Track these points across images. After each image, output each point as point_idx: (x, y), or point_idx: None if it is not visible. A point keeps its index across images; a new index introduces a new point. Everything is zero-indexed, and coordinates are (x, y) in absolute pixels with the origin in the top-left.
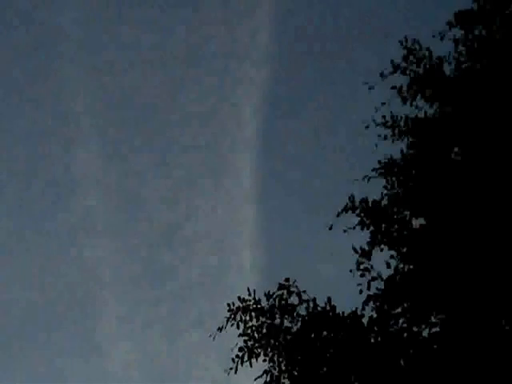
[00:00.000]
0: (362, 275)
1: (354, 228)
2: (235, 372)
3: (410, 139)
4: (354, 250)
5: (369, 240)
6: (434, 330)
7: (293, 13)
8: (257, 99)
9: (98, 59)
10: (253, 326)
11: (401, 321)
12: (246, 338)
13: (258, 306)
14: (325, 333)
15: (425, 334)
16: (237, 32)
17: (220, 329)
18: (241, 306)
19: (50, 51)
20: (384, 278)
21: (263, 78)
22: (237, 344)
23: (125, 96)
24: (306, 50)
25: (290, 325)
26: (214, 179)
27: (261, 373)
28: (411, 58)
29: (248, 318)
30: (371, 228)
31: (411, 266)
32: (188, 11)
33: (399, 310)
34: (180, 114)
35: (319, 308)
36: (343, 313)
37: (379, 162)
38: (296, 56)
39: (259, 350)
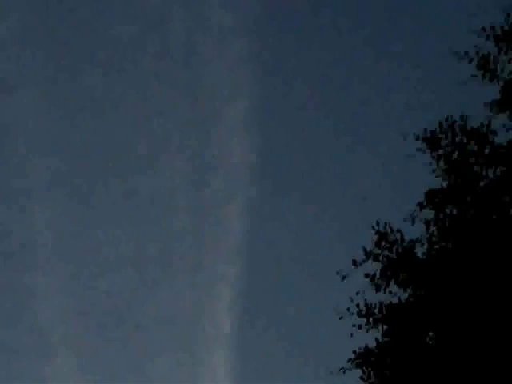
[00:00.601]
0: None
1: None
2: None
3: (385, 326)
4: None
5: None
6: None
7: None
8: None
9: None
10: None
11: None
12: None
13: None
14: None
15: None
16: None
17: None
18: None
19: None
20: None
21: (236, 275)
22: None
23: (97, 299)
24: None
25: None
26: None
27: None
28: (383, 242)
29: None
30: None
31: None
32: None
33: None
34: (153, 315)
35: None
36: None
37: (354, 352)
38: (269, 247)
39: None
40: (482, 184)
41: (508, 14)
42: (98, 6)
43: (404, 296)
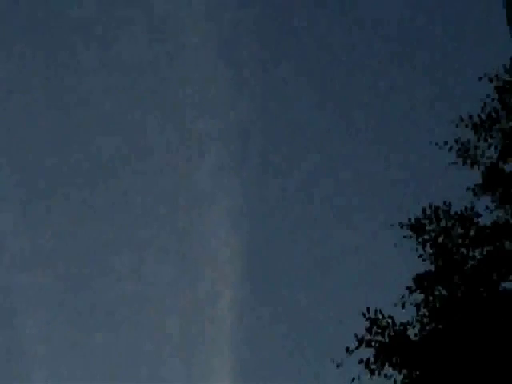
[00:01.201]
0: None
1: None
2: None
3: None
4: None
5: None
6: None
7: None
8: None
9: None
10: None
11: None
12: None
13: None
14: None
15: None
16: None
17: None
18: None
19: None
20: None
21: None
22: None
23: None
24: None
25: None
26: None
27: None
28: (375, 328)
29: None
30: None
31: None
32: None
33: None
34: None
35: None
36: None
37: None
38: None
39: None
40: (469, 264)
41: (485, 104)
42: None
43: (400, 378)
